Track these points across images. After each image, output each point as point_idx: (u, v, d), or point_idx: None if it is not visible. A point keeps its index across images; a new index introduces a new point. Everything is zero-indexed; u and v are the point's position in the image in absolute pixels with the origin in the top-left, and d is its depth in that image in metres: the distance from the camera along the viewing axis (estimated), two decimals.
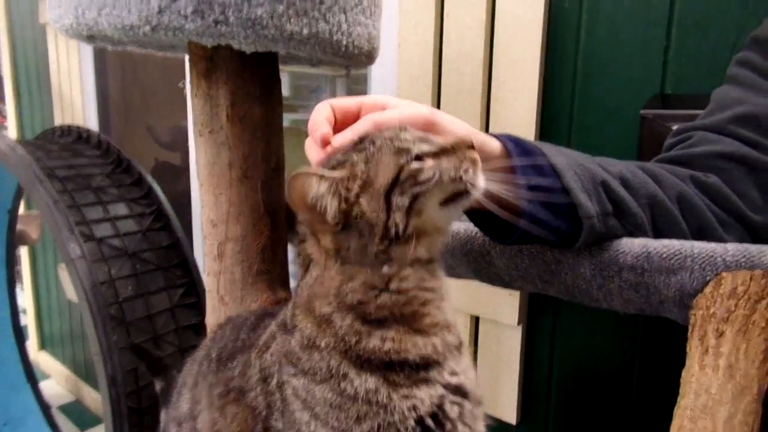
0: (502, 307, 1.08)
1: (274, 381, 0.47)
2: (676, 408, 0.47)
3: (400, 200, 0.42)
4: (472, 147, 0.45)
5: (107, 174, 1.46)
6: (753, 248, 0.45)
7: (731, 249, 0.46)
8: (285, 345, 0.47)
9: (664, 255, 0.48)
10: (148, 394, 1.22)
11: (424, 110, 0.50)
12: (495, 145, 0.52)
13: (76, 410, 2.32)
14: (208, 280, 0.72)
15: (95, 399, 2.26)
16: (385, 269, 0.43)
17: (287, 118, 2.53)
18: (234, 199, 0.68)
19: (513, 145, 0.52)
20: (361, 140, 0.46)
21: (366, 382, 0.43)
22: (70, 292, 2.08)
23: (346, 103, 0.51)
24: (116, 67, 2.28)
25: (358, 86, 2.18)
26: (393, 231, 0.42)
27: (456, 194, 0.44)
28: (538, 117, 1.00)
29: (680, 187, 0.58)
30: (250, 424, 0.47)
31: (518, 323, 1.08)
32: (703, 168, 0.61)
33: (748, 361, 0.44)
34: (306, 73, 2.75)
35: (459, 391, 0.46)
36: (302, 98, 2.79)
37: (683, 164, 0.62)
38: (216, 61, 0.65)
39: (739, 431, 0.43)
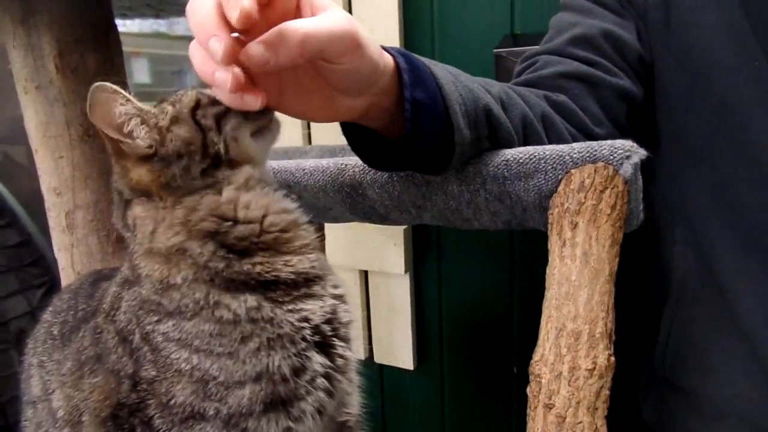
0: (388, 258, 1.10)
1: (137, 336, 0.44)
2: (543, 301, 0.50)
3: (205, 121, 0.44)
4: None
5: None
6: (595, 144, 0.49)
7: (577, 147, 0.49)
8: (136, 298, 0.45)
9: (521, 160, 0.50)
10: (13, 410, 1.08)
11: (351, 26, 0.43)
12: (389, 59, 0.49)
13: None
14: (60, 257, 0.64)
15: None
16: (225, 194, 0.44)
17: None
18: (78, 161, 0.61)
19: (403, 60, 0.49)
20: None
21: (246, 302, 0.42)
22: None
23: None
24: None
25: None
26: (213, 150, 0.43)
27: (261, 128, 0.46)
28: None
29: (543, 106, 0.61)
30: (115, 387, 0.44)
31: (405, 271, 1.10)
32: (551, 88, 0.65)
33: (600, 246, 0.48)
34: (167, 56, 2.54)
35: (343, 299, 0.48)
36: (165, 83, 2.58)
37: (534, 87, 0.65)
38: (32, 4, 0.57)
39: (597, 310, 0.47)
